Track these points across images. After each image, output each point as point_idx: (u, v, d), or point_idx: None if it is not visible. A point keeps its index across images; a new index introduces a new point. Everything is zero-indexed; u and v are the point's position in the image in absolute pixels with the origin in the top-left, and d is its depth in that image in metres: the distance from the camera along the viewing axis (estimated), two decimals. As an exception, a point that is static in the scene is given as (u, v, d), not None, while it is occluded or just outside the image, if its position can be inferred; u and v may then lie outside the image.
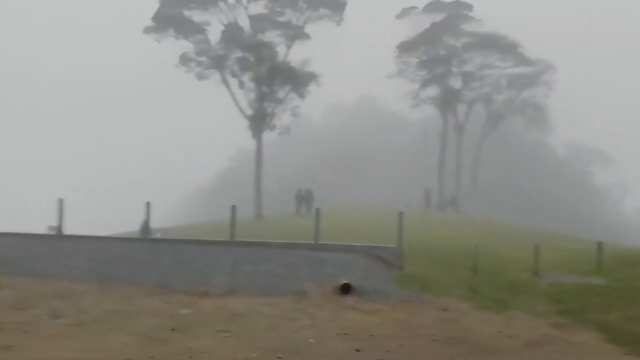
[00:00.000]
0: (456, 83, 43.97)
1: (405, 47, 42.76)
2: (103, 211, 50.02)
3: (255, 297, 10.53)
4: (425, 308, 10.53)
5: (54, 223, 27.65)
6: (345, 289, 11.44)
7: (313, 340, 8.40)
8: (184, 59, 35.51)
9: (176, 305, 9.74)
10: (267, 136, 36.18)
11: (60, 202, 16.77)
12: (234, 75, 34.46)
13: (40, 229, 18.08)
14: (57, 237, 16.29)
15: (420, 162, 56.91)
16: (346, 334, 8.90)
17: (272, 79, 33.30)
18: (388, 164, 61.70)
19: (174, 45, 35.00)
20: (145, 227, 25.08)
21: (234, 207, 17.09)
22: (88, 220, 33.84)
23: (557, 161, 66.87)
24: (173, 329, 8.26)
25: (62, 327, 8.27)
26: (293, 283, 11.72)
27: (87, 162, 78.64)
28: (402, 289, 12.18)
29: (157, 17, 34.34)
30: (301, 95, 34.12)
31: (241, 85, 34.19)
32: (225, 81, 34.47)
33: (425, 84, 43.19)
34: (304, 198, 34.04)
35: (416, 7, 44.54)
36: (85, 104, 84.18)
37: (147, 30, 34.93)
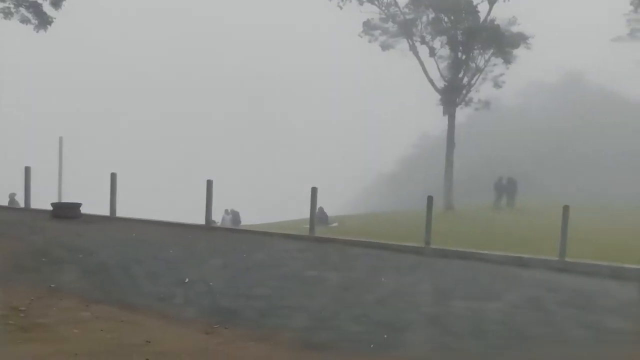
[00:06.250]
0: None
1: (647, -2, 32.74)
2: (277, 199, 47.46)
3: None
4: None
5: (228, 208, 25.47)
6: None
7: None
8: (368, 27, 30.92)
9: None
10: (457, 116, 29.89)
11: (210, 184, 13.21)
12: (423, 42, 28.95)
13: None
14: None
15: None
16: None
17: (470, 42, 27.08)
18: (608, 153, 50.24)
19: (357, 11, 30.49)
20: (321, 214, 21.25)
21: (430, 199, 11.87)
22: (259, 209, 31.18)
23: None
24: None
25: None
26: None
27: (252, 149, 73.36)
28: None
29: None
30: (507, 61, 27.35)
31: (432, 52, 28.51)
32: (413, 48, 29.03)
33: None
34: (506, 188, 28.88)
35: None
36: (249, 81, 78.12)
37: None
